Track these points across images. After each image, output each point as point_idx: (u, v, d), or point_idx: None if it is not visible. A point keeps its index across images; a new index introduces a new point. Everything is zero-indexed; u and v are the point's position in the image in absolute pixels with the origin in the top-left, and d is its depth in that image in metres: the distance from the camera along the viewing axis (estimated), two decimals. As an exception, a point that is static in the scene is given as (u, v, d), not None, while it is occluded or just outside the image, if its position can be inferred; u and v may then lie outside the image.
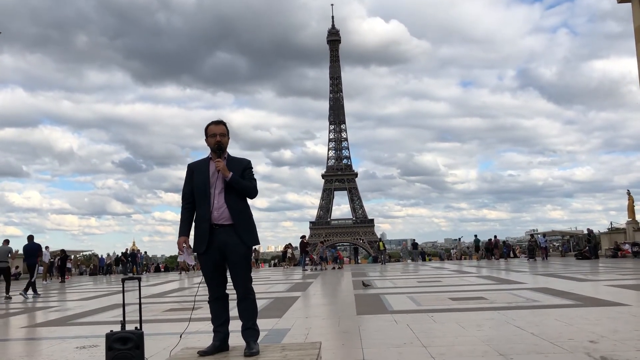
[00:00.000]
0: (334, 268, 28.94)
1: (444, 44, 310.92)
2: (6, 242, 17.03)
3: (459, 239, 46.23)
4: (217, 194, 4.56)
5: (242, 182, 4.55)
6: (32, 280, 16.32)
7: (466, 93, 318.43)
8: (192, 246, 4.66)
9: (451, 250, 53.31)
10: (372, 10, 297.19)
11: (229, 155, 4.73)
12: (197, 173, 4.67)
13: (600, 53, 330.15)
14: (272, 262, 56.40)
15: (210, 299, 4.65)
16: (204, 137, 4.71)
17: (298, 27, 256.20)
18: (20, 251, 18.52)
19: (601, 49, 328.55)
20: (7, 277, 16.70)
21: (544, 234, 36.99)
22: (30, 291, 15.99)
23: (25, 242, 17.51)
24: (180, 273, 31.84)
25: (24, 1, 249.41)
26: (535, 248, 32.45)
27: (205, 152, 4.78)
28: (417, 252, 41.84)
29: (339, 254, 34.54)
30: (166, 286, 18.76)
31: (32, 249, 17.24)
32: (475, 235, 39.42)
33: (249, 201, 4.75)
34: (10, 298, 15.64)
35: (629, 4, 32.01)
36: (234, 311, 4.63)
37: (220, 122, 4.72)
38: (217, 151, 4.60)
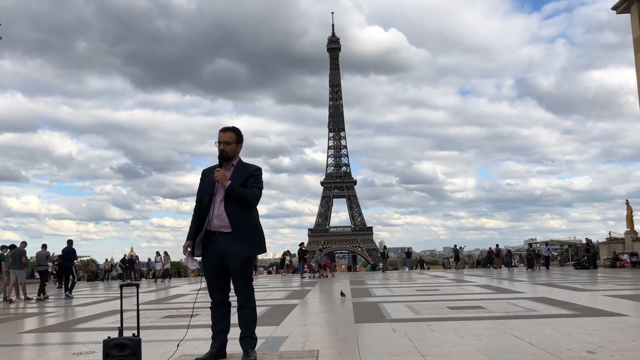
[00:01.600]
0: (325, 276, 28.73)
1: (442, 53, 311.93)
2: (44, 246, 18.91)
3: (462, 247, 46.35)
4: (219, 201, 4.57)
5: (239, 191, 4.54)
6: (75, 280, 18.53)
7: (464, 102, 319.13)
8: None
9: (450, 259, 53.23)
10: (371, 19, 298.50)
11: (239, 161, 4.73)
12: (206, 179, 4.71)
13: (598, 63, 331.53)
14: (269, 269, 56.32)
15: (211, 305, 4.66)
16: (214, 143, 4.73)
17: (297, 35, 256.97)
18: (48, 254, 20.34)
19: (598, 60, 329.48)
20: (44, 279, 18.09)
21: (547, 243, 36.38)
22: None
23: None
24: (156, 281, 30.30)
25: (24, 6, 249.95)
26: (534, 257, 31.88)
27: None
28: (409, 261, 41.27)
29: (327, 262, 34.21)
30: (164, 292, 18.71)
31: (69, 252, 19.01)
32: (455, 245, 39.65)
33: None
34: (47, 298, 17.06)
35: (627, 15, 32.20)
36: (234, 317, 4.63)
37: (227, 129, 4.71)
38: (220, 159, 4.63)
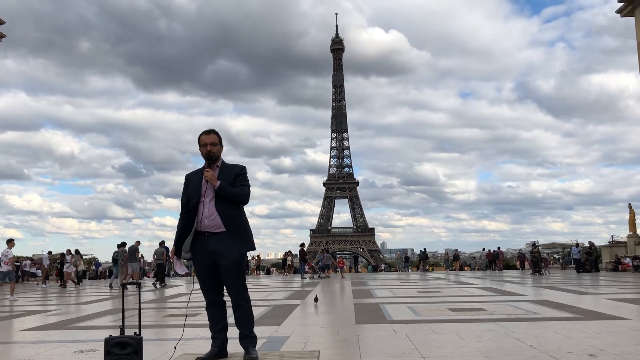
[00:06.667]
0: (328, 276, 28.54)
1: (443, 55, 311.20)
2: (161, 244, 23.06)
3: (483, 248, 46.44)
4: (208, 201, 4.62)
5: (230, 190, 4.60)
6: (165, 273, 22.91)
7: (465, 104, 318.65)
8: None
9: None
10: (371, 20, 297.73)
11: (222, 162, 4.80)
12: (191, 182, 4.75)
13: (597, 67, 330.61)
14: (266, 269, 55.81)
15: (206, 305, 4.67)
16: (198, 147, 4.77)
17: (298, 36, 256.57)
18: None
19: (598, 64, 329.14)
20: (162, 272, 22.25)
21: (577, 244, 32.83)
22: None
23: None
24: (62, 284, 24.29)
25: (27, 6, 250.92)
26: (540, 260, 30.24)
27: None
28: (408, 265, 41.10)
29: (340, 261, 34.11)
30: (166, 292, 18.72)
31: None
32: (405, 249, 39.43)
33: (246, 208, 4.80)
34: (164, 286, 20.49)
35: (627, 19, 32.03)
36: (230, 316, 4.63)
37: (210, 132, 4.78)
38: (207, 160, 4.67)
